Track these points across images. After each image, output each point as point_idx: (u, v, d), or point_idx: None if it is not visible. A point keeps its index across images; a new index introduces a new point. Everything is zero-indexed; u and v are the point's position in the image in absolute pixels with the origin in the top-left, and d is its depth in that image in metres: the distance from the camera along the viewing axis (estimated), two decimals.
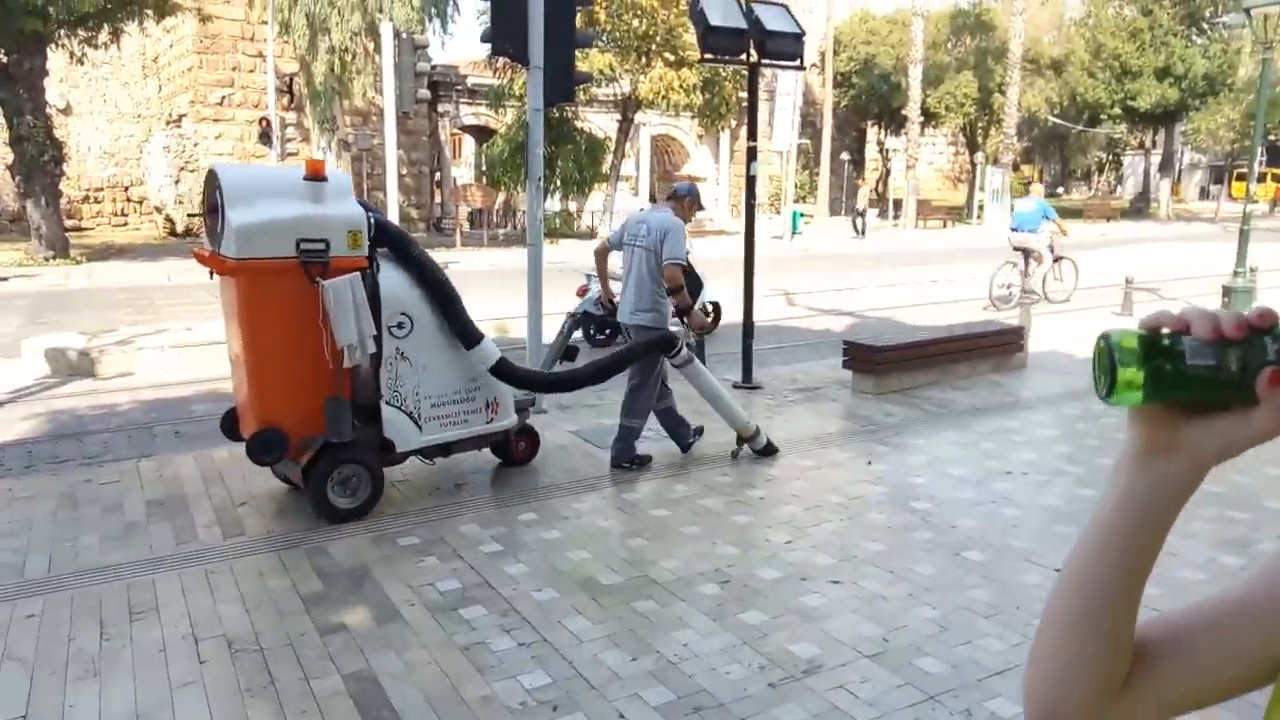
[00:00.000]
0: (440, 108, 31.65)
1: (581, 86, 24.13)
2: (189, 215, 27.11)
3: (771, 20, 7.10)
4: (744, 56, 7.30)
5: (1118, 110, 36.31)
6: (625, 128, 27.80)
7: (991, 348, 8.11)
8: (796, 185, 32.63)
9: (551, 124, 24.50)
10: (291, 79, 26.05)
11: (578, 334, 6.31)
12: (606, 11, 23.19)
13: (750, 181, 7.48)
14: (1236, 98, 34.96)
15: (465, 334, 5.02)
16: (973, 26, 41.33)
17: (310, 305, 4.51)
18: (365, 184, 27.72)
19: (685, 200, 5.75)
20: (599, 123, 30.71)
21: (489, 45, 6.96)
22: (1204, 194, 50.58)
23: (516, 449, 5.65)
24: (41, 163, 20.06)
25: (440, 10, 23.54)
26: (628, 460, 5.63)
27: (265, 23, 22.40)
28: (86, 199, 30.41)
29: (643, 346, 5.49)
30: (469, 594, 3.96)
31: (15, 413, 7.70)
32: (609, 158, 27.22)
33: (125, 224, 30.95)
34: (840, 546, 4.38)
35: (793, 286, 15.35)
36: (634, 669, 3.31)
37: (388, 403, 4.85)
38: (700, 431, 6.02)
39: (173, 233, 27.81)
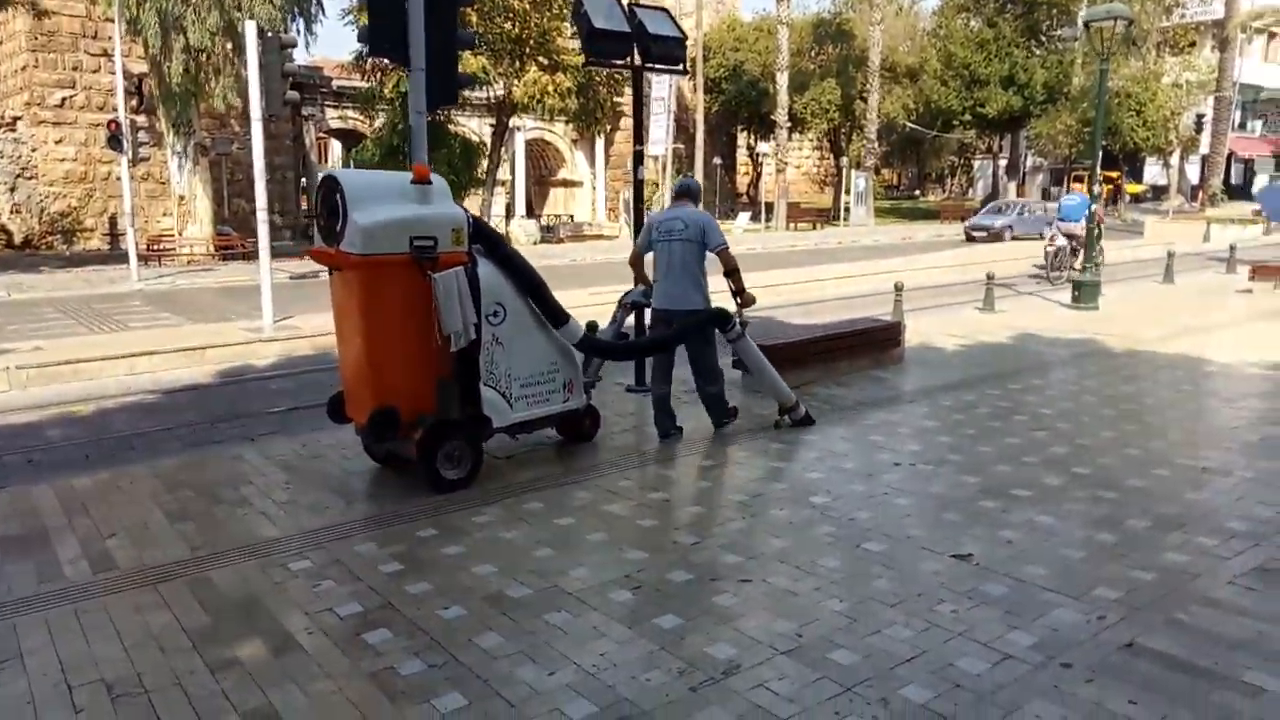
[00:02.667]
0: (305, 111, 30.46)
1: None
2: (39, 223, 25.11)
3: (654, 24, 7.14)
4: (627, 60, 7.31)
5: (968, 116, 38.45)
6: (500, 132, 27.50)
7: (872, 344, 8.40)
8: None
9: None
10: (141, 80, 24.50)
11: (630, 320, 6.86)
12: (479, 14, 22.85)
13: (638, 185, 7.51)
14: (1072, 105, 37.52)
15: (554, 315, 5.64)
16: (834, 35, 42.99)
17: (421, 296, 5.01)
18: (226, 190, 26.40)
19: (698, 194, 6.45)
20: (473, 127, 30.26)
21: (366, 46, 6.72)
22: (1045, 195, 54.07)
23: (584, 426, 6.18)
24: None
25: (304, 10, 22.66)
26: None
27: (111, 20, 20.96)
28: None
29: (698, 324, 6.13)
30: (372, 617, 3.79)
31: None
32: (484, 162, 26.86)
33: None
34: (746, 545, 4.42)
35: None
36: (552, 683, 3.24)
37: (485, 384, 5.35)
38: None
39: (9, 244, 25.69)
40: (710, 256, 6.10)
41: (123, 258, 19.04)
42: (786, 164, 37.98)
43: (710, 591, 3.93)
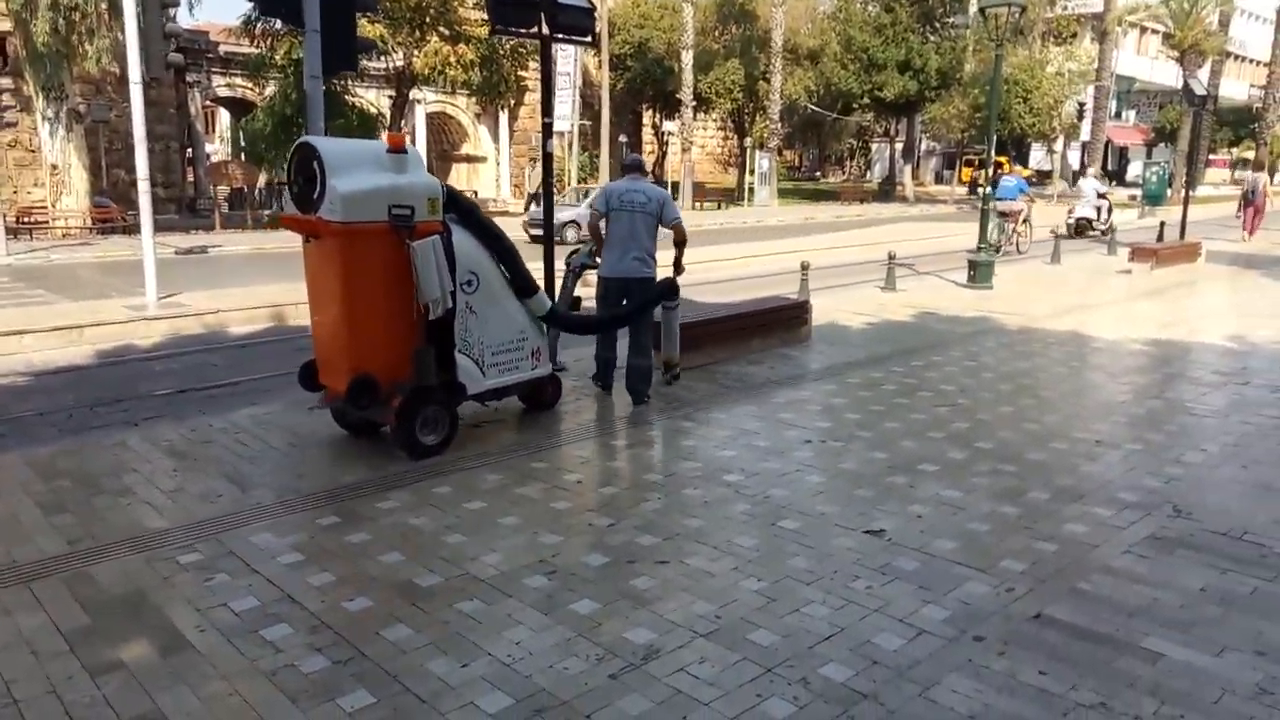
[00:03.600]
0: (189, 78, 28.87)
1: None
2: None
3: None
4: (535, 29, 7.10)
5: (867, 100, 39.27)
6: (400, 104, 26.66)
7: (780, 322, 8.47)
8: (579, 166, 32.74)
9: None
10: (4, 39, 22.72)
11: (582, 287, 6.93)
12: None
13: (547, 159, 7.32)
14: (964, 91, 38.78)
15: (524, 284, 5.78)
16: (737, 15, 43.16)
17: (398, 265, 5.06)
18: (104, 160, 24.80)
19: (645, 169, 6.84)
20: (370, 98, 29.22)
21: (255, 7, 6.32)
22: (939, 178, 55.98)
23: (547, 394, 6.29)
24: None
25: None
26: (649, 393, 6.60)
27: None
28: None
29: (657, 295, 6.56)
30: (270, 611, 3.58)
31: None
32: (383, 135, 25.98)
33: None
34: (662, 525, 4.37)
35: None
36: (465, 675, 3.11)
37: (460, 351, 5.44)
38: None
39: None
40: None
41: None
42: (691, 143, 38.04)
43: (627, 574, 3.85)
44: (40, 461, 5.35)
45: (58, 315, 10.25)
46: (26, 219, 22.38)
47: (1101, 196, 22.33)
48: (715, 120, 49.19)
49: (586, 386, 7.06)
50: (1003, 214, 17.23)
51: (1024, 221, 17.92)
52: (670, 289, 6.65)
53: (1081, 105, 37.49)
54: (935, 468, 5.18)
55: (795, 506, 4.60)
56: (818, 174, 61.25)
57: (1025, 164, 51.95)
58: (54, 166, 23.11)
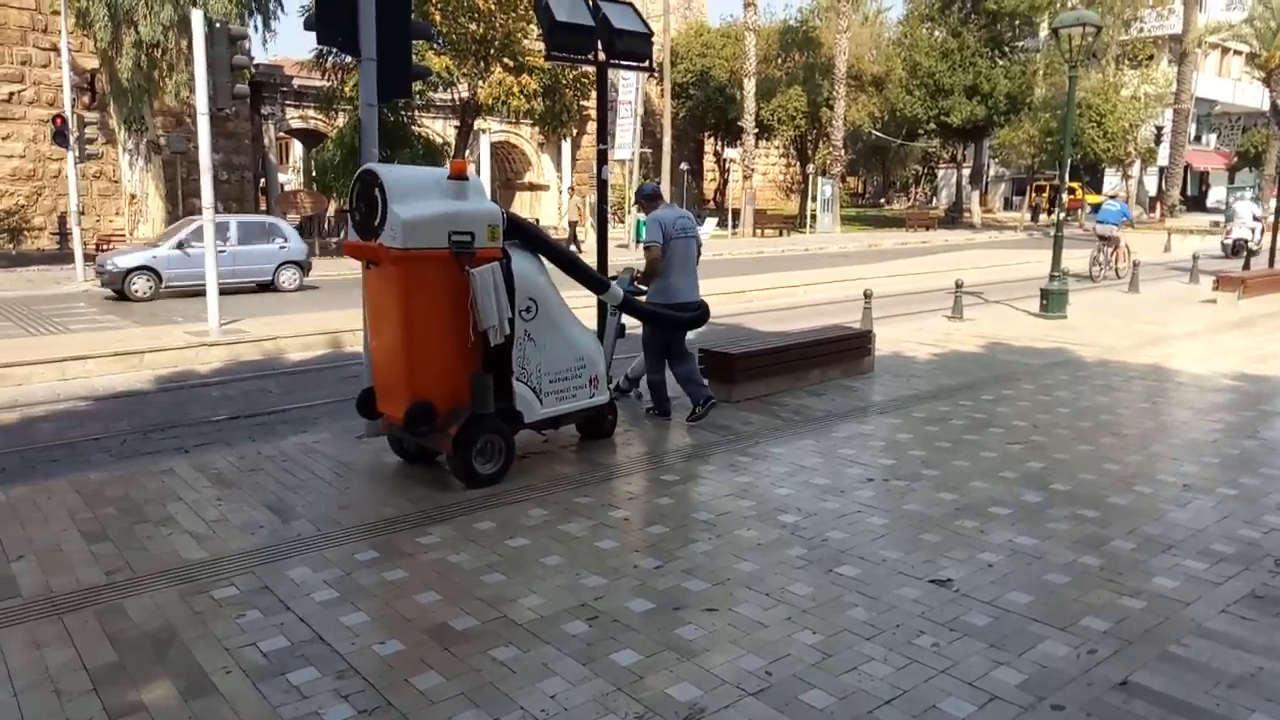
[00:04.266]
0: (264, 110, 29.81)
1: (419, 90, 23.15)
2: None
3: (619, 19, 6.83)
4: (591, 56, 7.00)
5: (933, 125, 38.65)
6: (465, 134, 27.05)
7: (842, 352, 8.16)
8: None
9: (386, 128, 23.44)
10: (93, 75, 23.75)
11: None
12: (442, 13, 22.41)
13: (602, 186, 7.20)
14: (1034, 115, 37.89)
15: (594, 283, 5.94)
16: (800, 43, 43.02)
17: (458, 291, 5.05)
18: (180, 190, 25.65)
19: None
20: (436, 129, 29.76)
21: (314, 35, 6.34)
22: (1008, 204, 54.73)
23: (605, 423, 6.20)
24: None
25: (261, 6, 22.08)
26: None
27: (57, 12, 20.23)
28: None
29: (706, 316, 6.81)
30: (299, 653, 3.43)
31: None
32: (447, 164, 26.39)
33: None
34: (712, 569, 4.12)
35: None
36: None
37: (517, 379, 5.38)
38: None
39: None
40: None
41: (71, 257, 18.32)
42: (753, 170, 37.85)
43: (673, 623, 3.61)
44: (89, 488, 5.34)
45: (120, 341, 10.47)
46: (106, 246, 23.20)
47: (1256, 219, 22.79)
48: (777, 147, 48.99)
49: (634, 415, 6.85)
50: (1103, 238, 17.29)
51: (1123, 247, 17.78)
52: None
53: (1160, 129, 36.23)
54: (1008, 511, 4.83)
55: (855, 551, 4.31)
56: (882, 200, 60.44)
57: (1099, 190, 50.49)
58: (133, 196, 24.00)
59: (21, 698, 3.14)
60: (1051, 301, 11.99)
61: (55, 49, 23.66)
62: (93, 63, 23.23)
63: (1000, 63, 37.57)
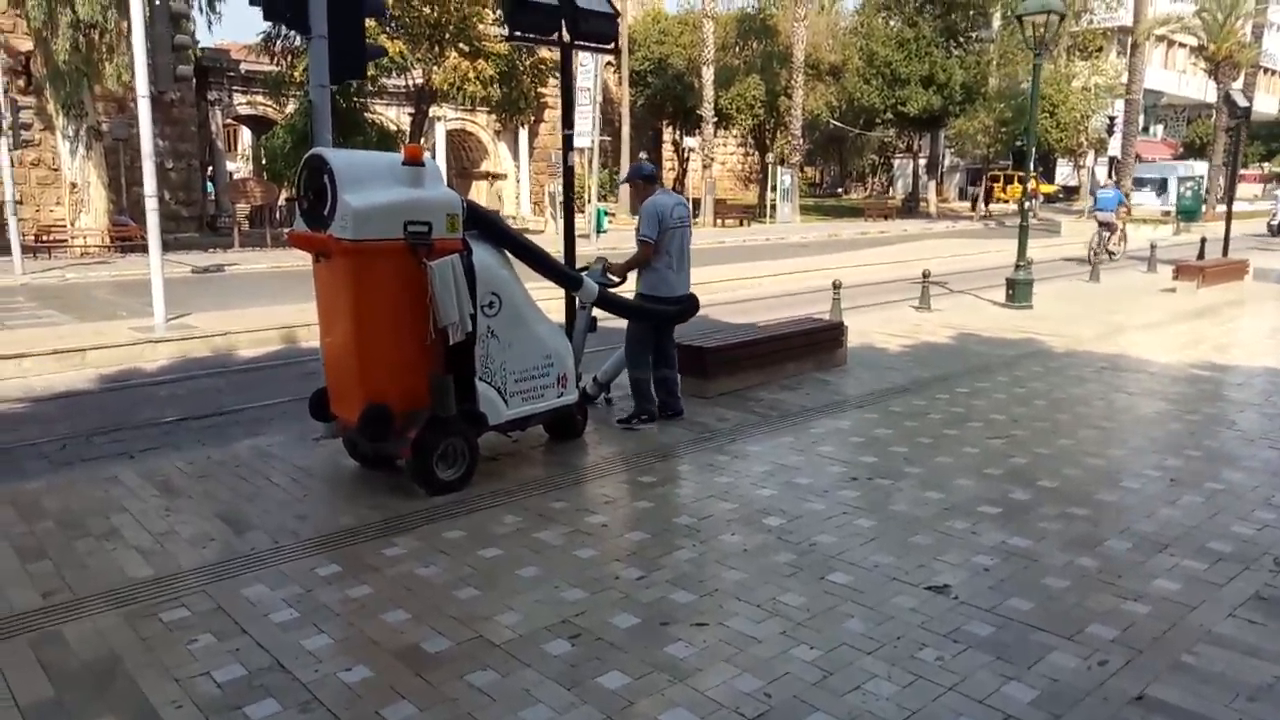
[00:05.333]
0: (210, 95, 28.91)
1: (371, 75, 22.57)
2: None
3: None
4: (555, 37, 6.72)
5: (890, 115, 38.76)
6: (419, 120, 26.48)
7: (815, 345, 8.00)
8: (600, 183, 32.45)
9: (339, 114, 22.78)
10: (28, 58, 22.70)
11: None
12: None
13: (568, 173, 6.94)
14: (989, 105, 38.21)
15: (566, 279, 5.74)
16: (758, 31, 42.93)
17: (414, 286, 4.70)
18: (124, 178, 24.73)
19: None
20: (390, 116, 29.11)
21: (260, 13, 5.98)
22: (962, 194, 55.30)
23: (574, 424, 5.91)
24: None
25: None
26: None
27: None
28: None
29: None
30: (258, 682, 3.15)
31: None
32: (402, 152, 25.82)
33: None
34: (698, 579, 3.91)
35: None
36: None
37: (480, 379, 5.06)
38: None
39: None
40: None
41: (9, 249, 17.53)
42: (712, 160, 37.69)
43: (661, 639, 3.39)
44: (24, 499, 4.96)
45: (60, 337, 9.95)
46: (46, 238, 22.31)
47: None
48: (736, 136, 48.90)
49: (605, 411, 6.60)
50: (1103, 224, 18.13)
51: (1120, 230, 18.96)
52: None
53: (1112, 120, 36.79)
54: (997, 510, 4.69)
55: (845, 556, 4.12)
56: (840, 190, 60.73)
57: (1051, 179, 51.26)
58: (73, 185, 23.06)
59: None
60: (1018, 291, 11.99)
61: None
62: (27, 44, 22.19)
63: (956, 53, 37.79)
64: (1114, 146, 36.99)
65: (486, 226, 5.23)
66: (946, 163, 52.74)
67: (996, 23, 39.27)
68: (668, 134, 47.38)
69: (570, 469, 5.50)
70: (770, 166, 40.41)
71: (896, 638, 3.38)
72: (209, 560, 4.18)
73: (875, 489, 5.05)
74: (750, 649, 3.32)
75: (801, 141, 39.31)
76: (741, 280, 16.79)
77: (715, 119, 36.88)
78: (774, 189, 38.28)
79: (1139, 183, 35.11)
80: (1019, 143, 39.04)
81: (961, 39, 38.62)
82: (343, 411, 5.09)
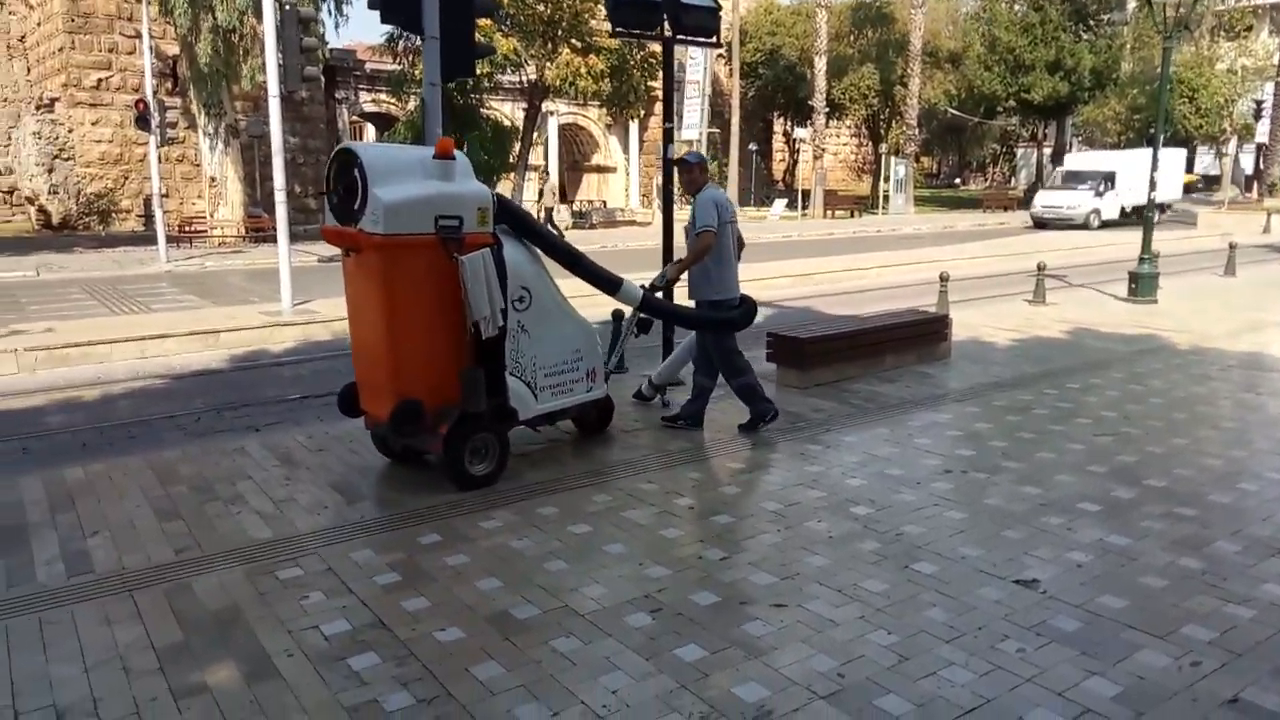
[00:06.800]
0: (338, 94, 30.28)
1: (486, 73, 23.14)
2: (70, 205, 25.23)
3: None
4: (657, 31, 6.82)
5: (1012, 102, 37.30)
6: (533, 115, 27.03)
7: (917, 337, 7.87)
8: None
9: (455, 110, 23.54)
10: (174, 61, 24.38)
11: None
12: None
13: (668, 165, 7.03)
14: (1121, 91, 36.27)
15: (605, 281, 5.41)
16: (874, 19, 41.94)
17: (446, 280, 4.67)
18: (258, 173, 26.26)
19: None
20: (505, 111, 29.84)
21: (379, 14, 6.30)
22: None
23: (605, 417, 5.88)
24: None
25: None
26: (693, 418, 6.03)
27: (141, 0, 20.82)
28: None
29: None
30: (360, 638, 3.39)
31: None
32: (516, 146, 26.44)
33: None
34: (781, 562, 3.96)
35: None
36: None
37: (511, 373, 5.03)
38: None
39: (47, 225, 25.79)
40: None
41: (156, 239, 18.93)
42: (824, 150, 37.13)
43: (739, 618, 3.47)
44: (163, 465, 5.43)
45: (198, 320, 10.73)
46: (188, 228, 23.90)
47: None
48: (849, 126, 48.01)
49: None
50: None
51: None
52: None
53: (1259, 104, 34.34)
54: (1098, 508, 4.55)
55: (932, 547, 4.10)
56: (958, 181, 58.76)
57: (1190, 169, 48.19)
58: (212, 179, 24.66)
59: (91, 674, 3.16)
60: (1141, 285, 11.43)
61: (139, 36, 24.41)
62: (174, 49, 23.84)
63: (1085, 37, 36.01)
64: (1261, 133, 34.50)
65: (518, 223, 5.16)
66: (1074, 151, 50.30)
67: (1131, 3, 37.19)
68: (778, 125, 46.89)
69: (660, 454, 5.61)
70: (884, 157, 39.48)
71: (978, 628, 3.36)
72: (322, 525, 4.49)
73: (969, 482, 4.97)
74: (827, 631, 3.36)
75: (917, 131, 38.25)
76: (848, 272, 16.55)
77: (827, 109, 36.31)
78: (887, 180, 37.42)
79: None
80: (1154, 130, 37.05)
81: (1091, 22, 36.78)
82: (373, 407, 5.07)
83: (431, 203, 4.65)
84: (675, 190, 7.94)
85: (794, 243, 23.72)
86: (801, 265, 17.13)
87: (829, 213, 34.75)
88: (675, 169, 6.48)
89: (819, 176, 35.86)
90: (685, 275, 5.80)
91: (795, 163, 44.21)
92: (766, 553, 4.07)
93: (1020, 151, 56.30)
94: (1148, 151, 22.59)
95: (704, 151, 28.68)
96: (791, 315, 11.47)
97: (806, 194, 36.12)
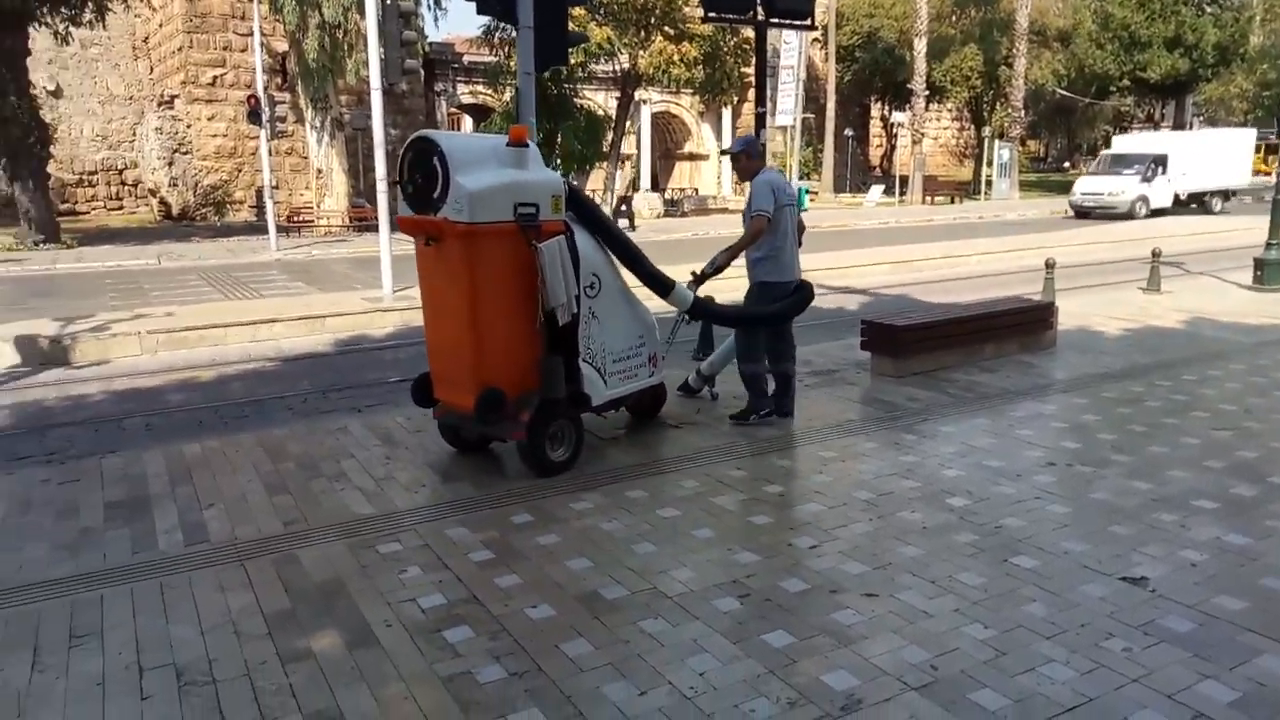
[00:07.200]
0: (437, 86, 31.00)
1: (580, 63, 23.32)
2: (188, 197, 26.61)
3: None
4: (750, 15, 6.75)
5: (1126, 82, 35.60)
6: (625, 104, 27.15)
7: (1020, 326, 7.59)
8: (801, 162, 31.98)
9: (550, 100, 23.81)
10: (284, 57, 25.41)
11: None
12: None
13: (760, 150, 6.94)
14: (1250, 67, 34.13)
15: (658, 283, 5.36)
16: None
17: (524, 268, 4.70)
18: (361, 165, 27.15)
19: None
20: (598, 100, 30.02)
21: (475, 6, 6.41)
22: None
23: (658, 400, 5.89)
24: (27, 145, 19.52)
25: None
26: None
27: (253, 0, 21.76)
28: (80, 182, 29.89)
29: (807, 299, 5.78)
30: (455, 612, 3.49)
31: None
32: (610, 135, 26.58)
33: (120, 208, 30.44)
34: (872, 552, 3.89)
35: (801, 264, 14.77)
36: (642, 706, 2.84)
37: (584, 359, 5.02)
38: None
39: (168, 215, 27.29)
40: None
41: (266, 229, 19.83)
42: (923, 135, 36.12)
43: (829, 606, 3.43)
44: (272, 443, 5.68)
45: (305, 306, 11.19)
46: (296, 218, 24.91)
47: None
48: (950, 110, 46.55)
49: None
50: None
51: None
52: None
53: None
54: (1214, 505, 4.31)
55: (1034, 541, 3.96)
56: (1066, 164, 56.33)
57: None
58: (319, 171, 25.61)
59: (207, 636, 3.35)
60: (1268, 273, 10.75)
61: (251, 34, 25.49)
62: (283, 46, 24.84)
63: (1208, 10, 34.00)
64: None
65: (584, 212, 5.13)
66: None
67: None
68: (875, 109, 45.84)
69: (752, 440, 5.57)
70: (987, 141, 38.17)
71: (1080, 625, 3.24)
72: (420, 503, 4.63)
73: (1075, 476, 4.78)
74: (920, 622, 3.29)
75: (1023, 114, 36.83)
76: (946, 259, 16.08)
77: (927, 93, 35.28)
78: (990, 164, 36.17)
79: None
80: None
81: None
82: (451, 397, 5.00)
83: (511, 190, 4.66)
84: None
85: (890, 229, 23.16)
86: (898, 252, 16.74)
87: (928, 199, 33.82)
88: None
89: (917, 161, 34.92)
90: (742, 257, 5.66)
91: (893, 148, 43.18)
92: (858, 542, 4.00)
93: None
94: (1206, 132, 20.95)
95: (798, 137, 28.27)
96: (887, 303, 11.22)
97: (904, 180, 35.23)
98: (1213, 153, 27.52)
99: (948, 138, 49.27)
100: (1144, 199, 26.00)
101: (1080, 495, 4.50)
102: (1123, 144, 30.36)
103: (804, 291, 5.73)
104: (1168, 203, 26.62)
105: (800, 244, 5.89)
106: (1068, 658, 3.03)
